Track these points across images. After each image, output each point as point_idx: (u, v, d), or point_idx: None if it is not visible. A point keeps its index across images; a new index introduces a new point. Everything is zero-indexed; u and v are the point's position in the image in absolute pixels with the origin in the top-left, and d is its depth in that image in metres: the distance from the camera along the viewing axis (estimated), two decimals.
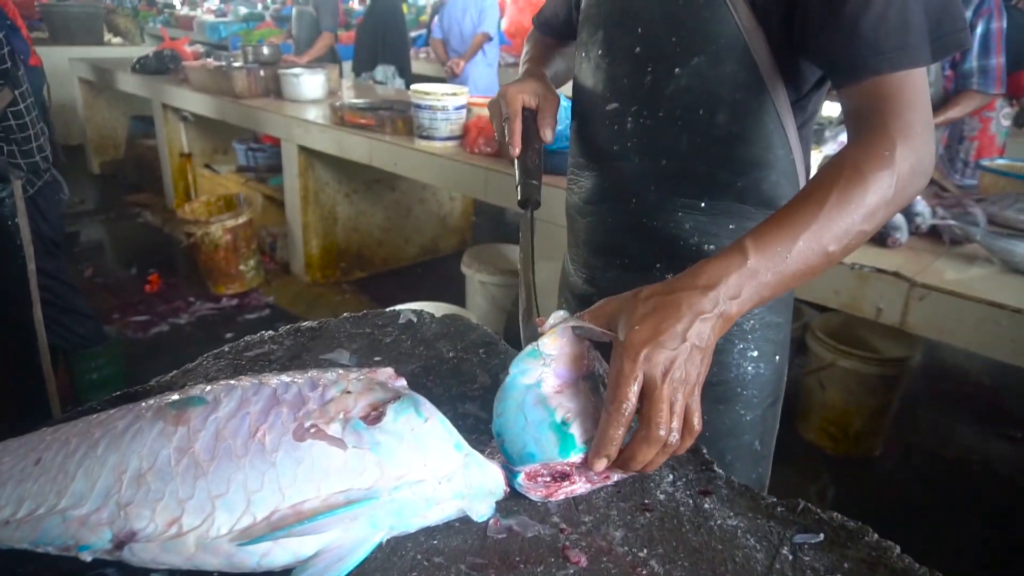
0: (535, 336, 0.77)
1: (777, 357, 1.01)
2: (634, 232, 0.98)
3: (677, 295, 0.66)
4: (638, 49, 0.91)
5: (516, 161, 0.99)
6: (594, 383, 0.70)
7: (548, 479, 0.65)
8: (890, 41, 0.73)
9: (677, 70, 0.88)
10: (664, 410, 0.62)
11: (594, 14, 0.98)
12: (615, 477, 0.68)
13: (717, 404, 0.98)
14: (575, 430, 0.65)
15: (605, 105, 0.97)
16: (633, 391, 0.62)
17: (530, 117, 1.01)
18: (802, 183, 0.93)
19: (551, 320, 0.72)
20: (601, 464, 0.63)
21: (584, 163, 1.05)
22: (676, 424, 0.62)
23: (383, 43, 5.45)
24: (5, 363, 2.21)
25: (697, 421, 0.64)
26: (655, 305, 0.66)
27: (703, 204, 0.93)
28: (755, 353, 0.98)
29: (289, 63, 4.47)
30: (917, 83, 0.74)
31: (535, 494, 0.65)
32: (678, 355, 0.63)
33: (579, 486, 0.66)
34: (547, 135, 1.00)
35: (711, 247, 0.94)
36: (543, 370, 0.69)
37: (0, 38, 2.03)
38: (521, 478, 0.64)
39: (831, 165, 0.73)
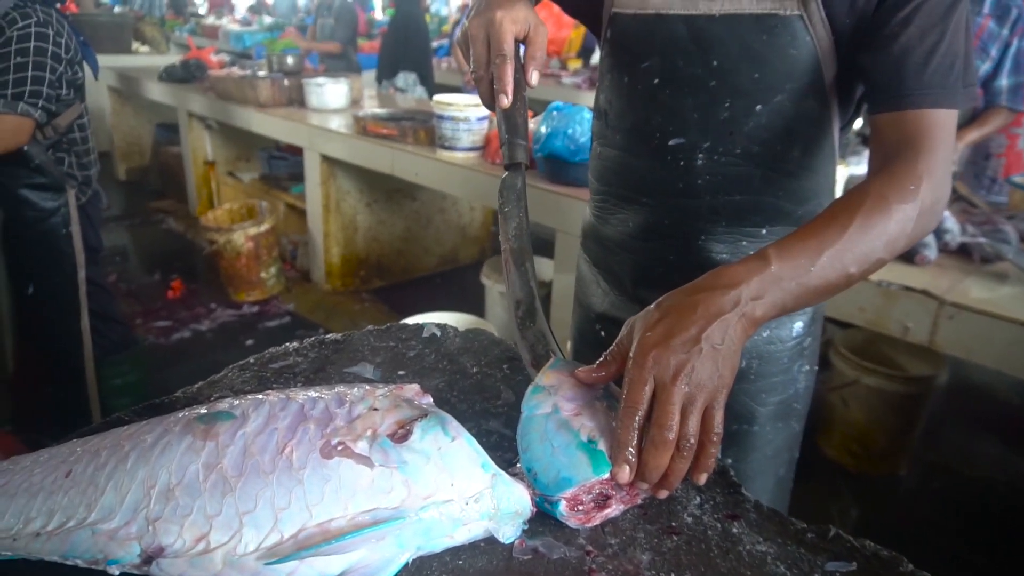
0: (540, 339, 0.76)
1: (816, 368, 1.04)
2: (698, 266, 0.93)
3: (694, 297, 0.65)
4: (713, 83, 0.86)
5: (500, 113, 0.85)
6: (610, 401, 0.69)
7: (590, 504, 0.64)
8: (935, 78, 0.75)
9: (759, 107, 0.85)
10: (672, 412, 0.60)
11: (641, 35, 0.90)
12: (643, 495, 0.67)
13: (777, 422, 1.00)
14: (603, 447, 0.64)
15: (666, 139, 0.91)
16: (644, 395, 0.61)
17: (516, 56, 0.84)
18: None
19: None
20: (625, 473, 0.61)
21: (629, 196, 0.98)
22: (692, 428, 0.61)
23: (404, 52, 5.50)
24: (51, 370, 2.25)
25: (718, 424, 0.62)
26: (669, 308, 0.65)
27: (764, 231, 0.93)
28: (807, 367, 1.01)
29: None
30: (949, 124, 0.76)
31: (575, 521, 0.64)
32: (690, 358, 0.61)
33: (613, 509, 0.65)
34: (533, 79, 0.84)
35: None
36: (554, 399, 0.68)
37: (74, 50, 2.08)
38: (563, 507, 0.63)
39: (857, 190, 0.74)
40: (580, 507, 0.63)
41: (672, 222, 0.95)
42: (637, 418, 0.61)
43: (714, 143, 0.88)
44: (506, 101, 0.82)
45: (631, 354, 0.64)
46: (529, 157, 0.88)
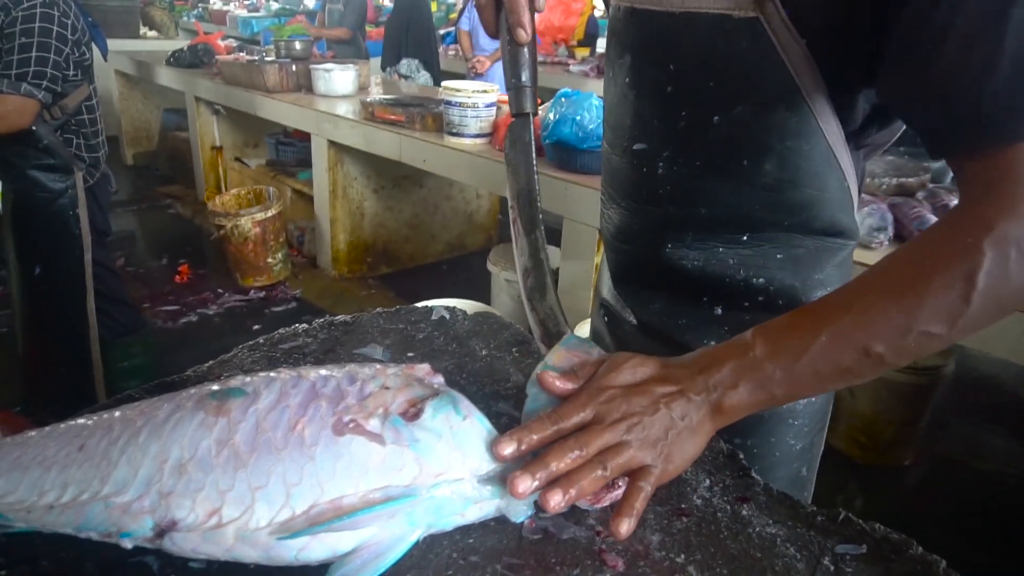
0: (550, 316, 0.74)
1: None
2: (672, 272, 0.88)
3: (671, 369, 0.62)
4: (669, 89, 0.78)
5: (507, 55, 0.78)
6: None
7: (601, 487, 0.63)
8: (999, 101, 0.56)
9: (716, 118, 0.76)
10: (593, 441, 0.57)
11: (621, 29, 0.84)
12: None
13: (768, 436, 0.92)
14: None
15: (632, 143, 0.85)
16: (576, 419, 0.59)
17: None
18: (856, 207, 0.84)
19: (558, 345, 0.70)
20: (509, 450, 0.57)
21: (611, 194, 0.94)
22: (611, 462, 0.57)
23: (407, 37, 5.50)
24: (58, 351, 2.27)
25: (648, 480, 0.58)
26: (646, 364, 0.63)
27: (745, 238, 0.83)
28: None
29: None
30: None
31: (585, 502, 0.64)
32: (643, 413, 0.59)
33: (621, 490, 0.65)
34: (540, 2, 0.77)
35: (759, 280, 0.84)
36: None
37: (81, 30, 2.08)
38: None
39: (898, 249, 0.63)
40: None
41: (640, 228, 0.90)
42: (556, 427, 0.58)
43: (673, 152, 0.81)
44: (524, 35, 0.76)
45: (591, 381, 0.62)
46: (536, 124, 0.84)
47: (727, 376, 0.61)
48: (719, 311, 0.87)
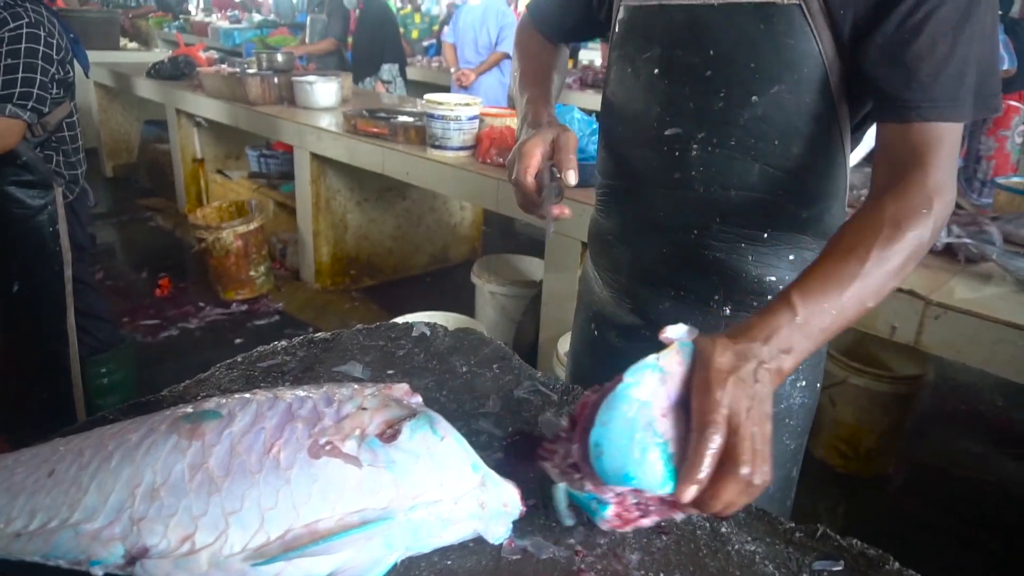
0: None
1: (817, 384, 1.00)
2: (691, 263, 0.94)
3: (742, 345, 0.63)
4: (709, 72, 0.86)
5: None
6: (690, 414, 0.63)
7: (636, 514, 0.61)
8: (945, 91, 0.74)
9: (755, 98, 0.84)
10: (748, 447, 0.57)
11: (644, 26, 0.92)
12: (680, 516, 0.63)
13: None
14: (677, 462, 0.59)
15: (662, 129, 0.92)
16: (723, 417, 0.58)
17: (547, 170, 0.90)
18: (846, 210, 0.93)
19: (670, 332, 0.65)
20: (691, 492, 0.56)
21: (628, 187, 0.99)
22: (763, 466, 0.58)
23: (383, 45, 5.52)
24: (36, 368, 2.23)
25: (767, 467, 0.59)
26: (724, 344, 0.63)
27: (765, 235, 0.91)
28: (803, 383, 0.97)
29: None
30: (955, 137, 0.76)
31: (608, 526, 0.62)
32: (756, 394, 0.60)
33: (650, 520, 0.62)
34: (571, 178, 0.88)
35: (771, 278, 0.92)
36: (658, 388, 0.62)
37: (64, 49, 2.06)
38: (610, 511, 0.61)
39: (871, 217, 0.74)
40: (623, 515, 0.61)
41: (666, 214, 0.95)
42: (718, 440, 0.57)
43: (708, 134, 0.88)
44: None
45: (706, 379, 0.60)
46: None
47: (783, 341, 0.66)
48: (727, 311, 0.94)
